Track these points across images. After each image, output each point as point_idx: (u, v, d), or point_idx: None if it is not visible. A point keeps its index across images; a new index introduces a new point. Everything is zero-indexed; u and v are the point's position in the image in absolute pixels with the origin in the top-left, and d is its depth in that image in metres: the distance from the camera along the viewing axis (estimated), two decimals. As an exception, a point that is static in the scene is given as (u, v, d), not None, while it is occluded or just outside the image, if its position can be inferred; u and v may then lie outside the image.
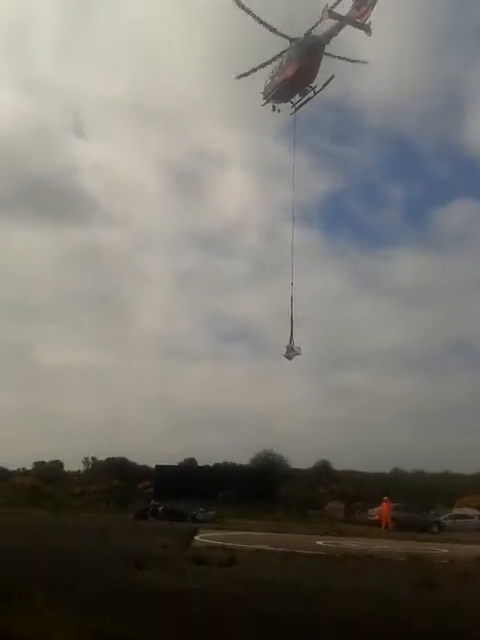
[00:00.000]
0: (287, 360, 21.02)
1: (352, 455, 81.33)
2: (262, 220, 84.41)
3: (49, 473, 56.77)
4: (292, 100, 23.07)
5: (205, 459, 60.76)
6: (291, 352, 20.76)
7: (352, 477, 56.52)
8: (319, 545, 19.27)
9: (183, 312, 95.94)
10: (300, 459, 76.51)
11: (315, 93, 22.59)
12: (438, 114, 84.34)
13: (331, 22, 19.89)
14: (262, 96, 23.39)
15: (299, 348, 20.84)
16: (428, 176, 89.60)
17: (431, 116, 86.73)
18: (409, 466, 58.01)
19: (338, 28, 20.33)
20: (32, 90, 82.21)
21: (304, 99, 22.96)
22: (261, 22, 20.40)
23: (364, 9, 18.77)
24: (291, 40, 21.45)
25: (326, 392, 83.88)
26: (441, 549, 20.38)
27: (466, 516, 37.85)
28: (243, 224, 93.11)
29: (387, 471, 58.57)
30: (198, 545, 16.55)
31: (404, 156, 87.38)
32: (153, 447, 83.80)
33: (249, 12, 19.97)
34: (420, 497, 44.67)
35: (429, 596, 9.76)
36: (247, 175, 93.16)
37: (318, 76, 22.06)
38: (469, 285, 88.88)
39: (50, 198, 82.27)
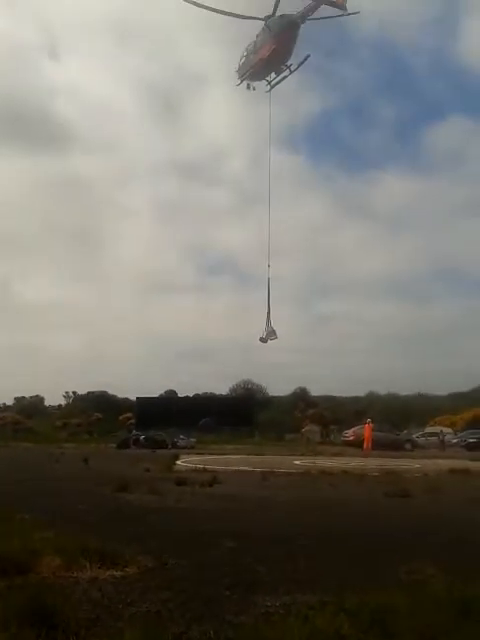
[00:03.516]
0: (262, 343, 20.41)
1: (329, 381, 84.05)
2: (248, 145, 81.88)
3: (30, 408, 57.34)
4: (267, 79, 22.04)
5: (185, 390, 62.23)
6: (271, 336, 20.19)
7: (328, 401, 58.24)
8: (296, 464, 19.98)
9: (165, 244, 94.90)
10: (279, 387, 78.65)
11: (291, 72, 21.63)
12: (433, 24, 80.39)
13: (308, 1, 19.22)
14: (237, 75, 22.34)
15: (275, 331, 20.20)
16: (420, 93, 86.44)
17: (426, 27, 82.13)
18: (385, 389, 60.00)
19: (314, 8, 19.51)
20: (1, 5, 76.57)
21: (280, 77, 22.01)
22: (225, 13, 19.48)
23: None
24: (265, 20, 20.40)
25: (307, 321, 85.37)
26: (414, 465, 21.30)
27: (438, 434, 39.44)
28: (228, 150, 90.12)
29: (362, 394, 60.55)
30: (180, 469, 16.99)
31: (396, 72, 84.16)
32: (134, 380, 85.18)
33: (206, 7, 19.09)
34: (394, 418, 46.49)
35: (403, 505, 10.24)
36: (232, 97, 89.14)
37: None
38: (457, 209, 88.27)
39: (24, 124, 78.97)
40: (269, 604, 4.34)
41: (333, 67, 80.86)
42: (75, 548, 5.58)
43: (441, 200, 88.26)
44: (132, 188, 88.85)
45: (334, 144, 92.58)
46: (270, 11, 20.34)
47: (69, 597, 4.31)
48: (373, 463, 21.31)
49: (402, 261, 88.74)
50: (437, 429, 41.02)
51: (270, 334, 20.23)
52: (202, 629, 3.73)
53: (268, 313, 20.44)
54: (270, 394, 61.03)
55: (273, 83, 21.84)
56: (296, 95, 75.06)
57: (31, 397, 61.78)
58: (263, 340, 20.42)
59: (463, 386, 59.12)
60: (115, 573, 5.17)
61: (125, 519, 8.18)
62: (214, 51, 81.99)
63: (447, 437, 39.66)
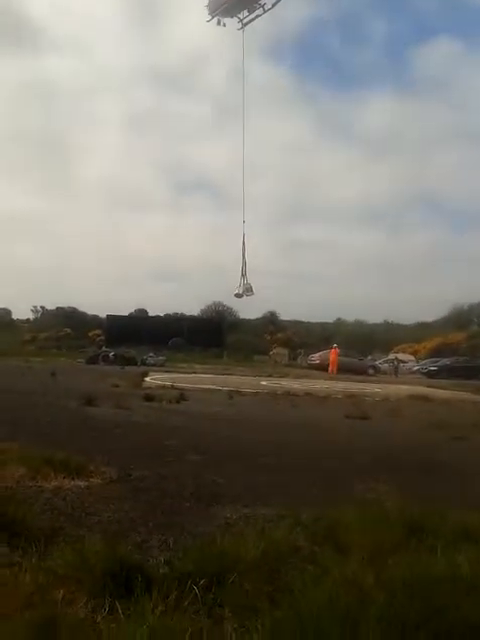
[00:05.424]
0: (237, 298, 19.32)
1: (299, 306, 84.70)
2: (229, 54, 77.15)
3: (-3, 320, 56.67)
4: (239, 16, 20.36)
5: (156, 310, 61.85)
6: (247, 292, 19.03)
7: (297, 326, 59.15)
8: (263, 385, 20.45)
9: (138, 158, 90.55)
10: (250, 310, 78.95)
11: (265, 11, 19.89)
12: None
13: None
14: (207, 10, 20.48)
15: (251, 287, 18.98)
16: (412, 10, 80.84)
17: None
18: (353, 316, 61.06)
19: None
20: None
21: (252, 16, 20.25)
22: None
23: None
24: None
25: (282, 245, 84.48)
26: (375, 389, 22.03)
27: (400, 361, 40.77)
28: (207, 58, 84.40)
29: (331, 321, 61.63)
30: (148, 385, 17.21)
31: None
32: (104, 298, 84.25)
33: None
34: (360, 344, 47.62)
35: (363, 426, 10.63)
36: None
37: None
38: (439, 136, 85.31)
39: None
40: (229, 516, 4.50)
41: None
42: (40, 459, 5.64)
43: (425, 126, 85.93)
44: (104, 96, 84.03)
45: (320, 59, 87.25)
46: None
47: (32, 506, 4.38)
48: (337, 386, 21.97)
49: (380, 187, 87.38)
50: (398, 356, 42.37)
51: (247, 290, 19.40)
52: (162, 538, 3.85)
53: (243, 266, 19.54)
54: (240, 317, 61.54)
55: (245, 21, 20.38)
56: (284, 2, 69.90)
57: (-2, 310, 61.12)
58: (238, 296, 19.64)
59: (429, 316, 60.60)
60: (79, 483, 5.26)
61: (91, 432, 8.28)
62: None
63: (409, 364, 41.11)
